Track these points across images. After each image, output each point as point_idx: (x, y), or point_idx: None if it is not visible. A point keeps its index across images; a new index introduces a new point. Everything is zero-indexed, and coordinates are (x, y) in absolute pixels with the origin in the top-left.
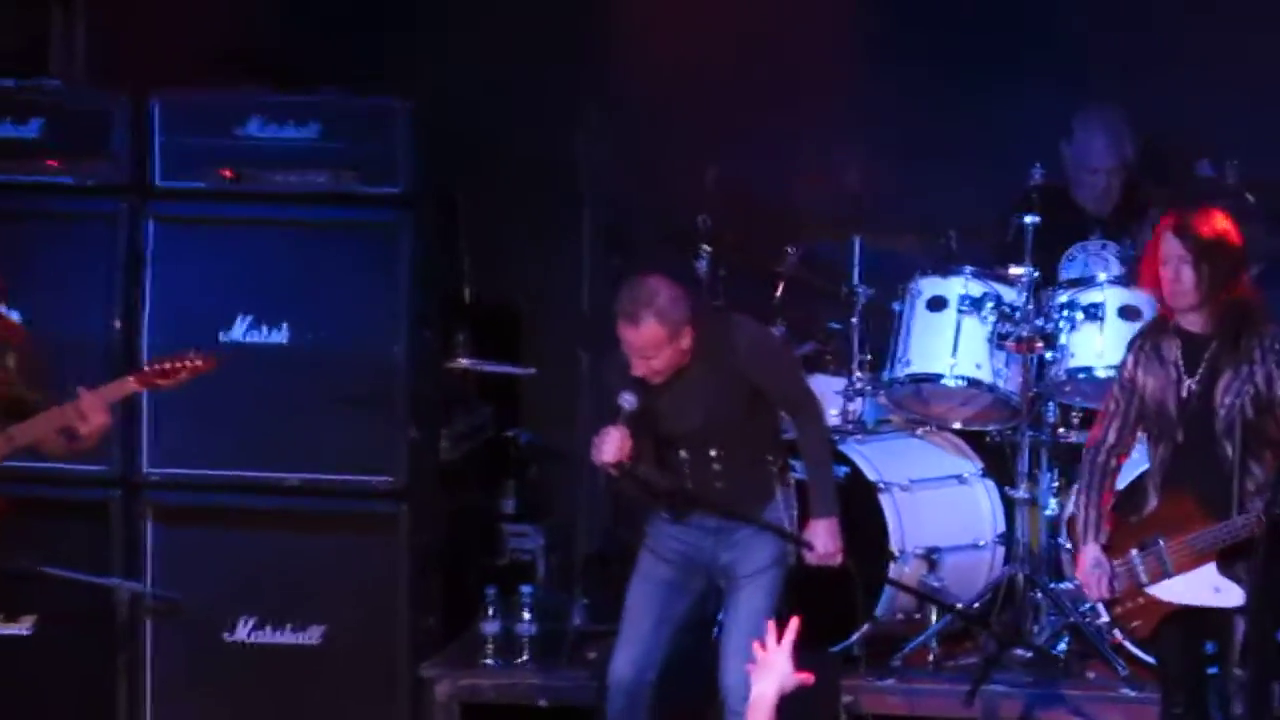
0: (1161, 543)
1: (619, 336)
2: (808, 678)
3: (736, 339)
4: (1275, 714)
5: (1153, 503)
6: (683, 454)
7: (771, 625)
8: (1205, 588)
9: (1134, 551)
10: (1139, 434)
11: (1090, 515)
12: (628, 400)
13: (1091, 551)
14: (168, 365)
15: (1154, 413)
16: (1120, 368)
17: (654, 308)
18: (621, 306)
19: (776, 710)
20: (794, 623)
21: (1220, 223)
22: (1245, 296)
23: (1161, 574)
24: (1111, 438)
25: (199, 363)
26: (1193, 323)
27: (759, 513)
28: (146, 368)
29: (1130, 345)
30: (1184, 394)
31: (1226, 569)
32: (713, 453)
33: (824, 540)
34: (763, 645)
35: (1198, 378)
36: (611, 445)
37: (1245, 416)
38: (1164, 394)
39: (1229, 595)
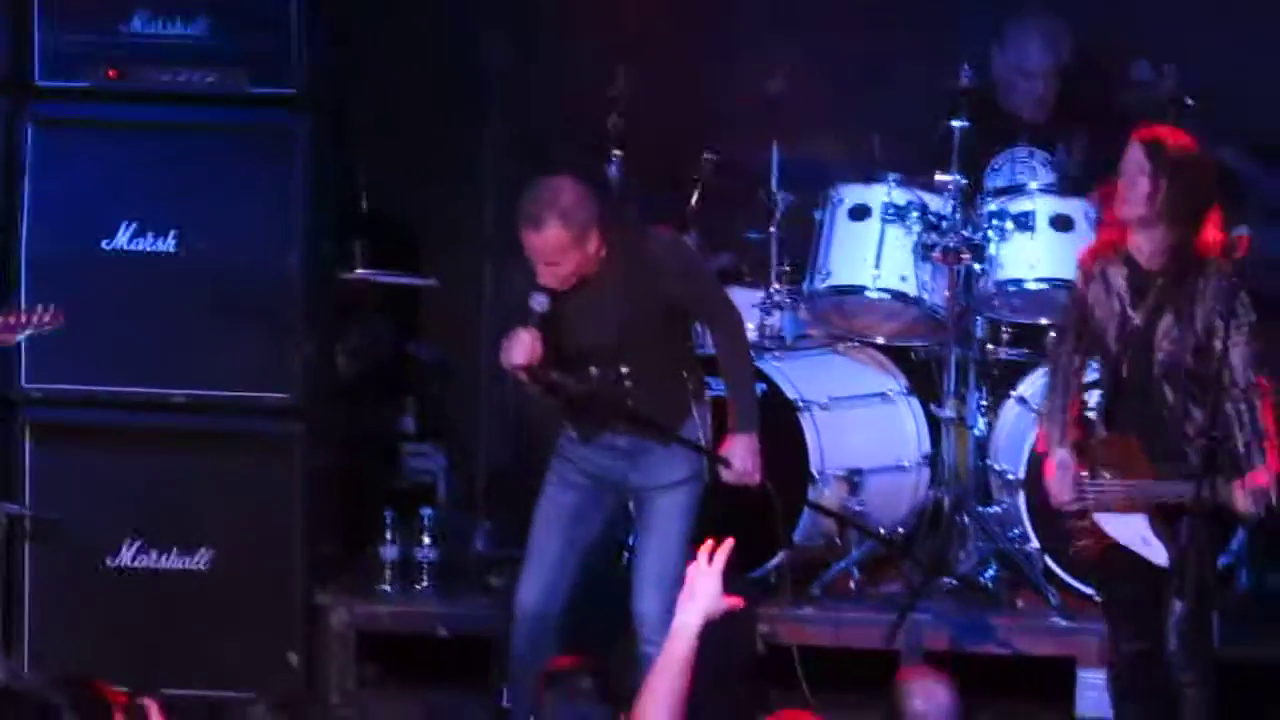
0: (1106, 476)
1: (522, 242)
2: (737, 602)
3: (651, 250)
4: (1214, 647)
5: (1100, 433)
6: (593, 370)
7: (708, 546)
8: (1136, 536)
9: (1084, 475)
10: None
11: (1055, 420)
12: (539, 301)
13: (1059, 454)
14: (10, 319)
15: (1099, 339)
16: (1074, 283)
17: (557, 209)
18: (523, 209)
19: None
20: (728, 544)
21: (1192, 146)
22: (1204, 238)
23: (1104, 506)
24: (1071, 342)
25: (45, 318)
26: (1141, 251)
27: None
28: None
29: (1081, 263)
30: (1128, 328)
31: (1157, 526)
32: (624, 369)
33: (742, 457)
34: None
35: (1141, 315)
36: (522, 347)
37: (1185, 363)
38: (1107, 323)
39: (1156, 552)
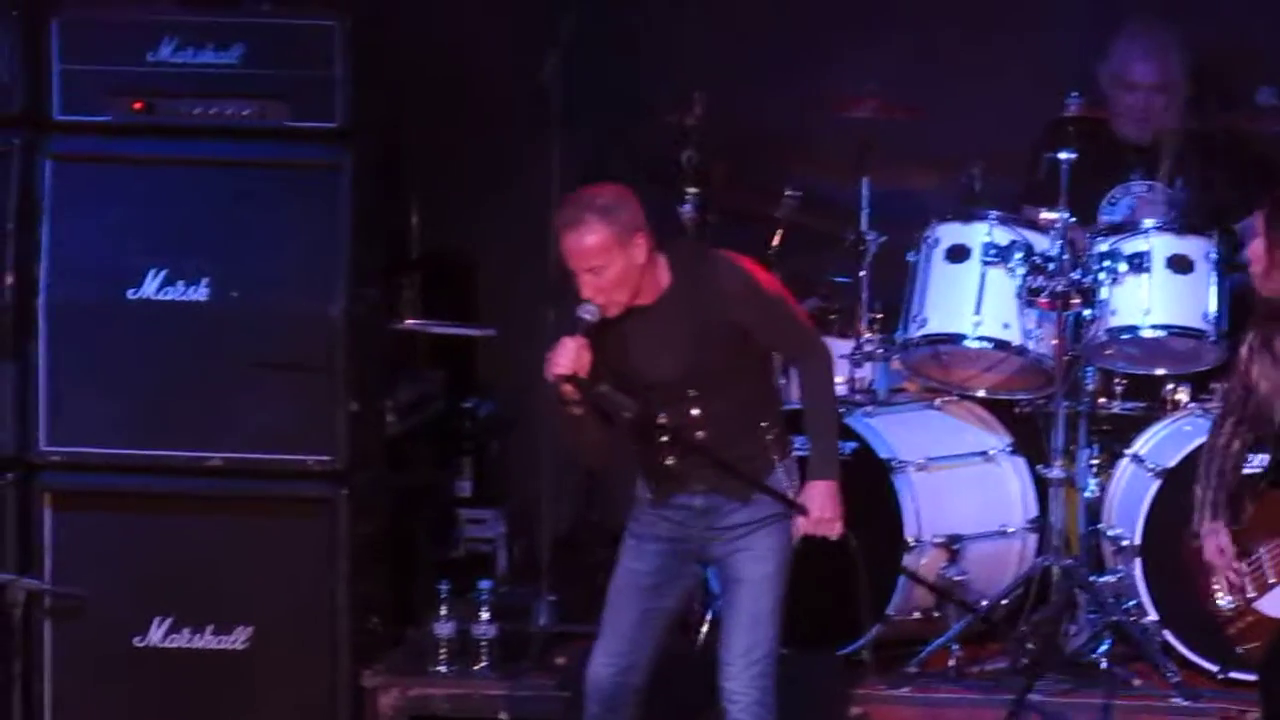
0: (1262, 550)
1: (565, 255)
2: None
3: (717, 277)
4: None
5: (1249, 509)
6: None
7: None
8: None
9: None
10: None
11: (1207, 496)
12: (589, 310)
13: (1210, 526)
14: None
15: (1262, 417)
16: (1235, 360)
17: (595, 207)
18: (562, 218)
19: None
20: None
21: None
22: None
23: (1265, 585)
24: (1227, 430)
25: None
26: None
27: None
28: None
29: (1244, 338)
30: None
31: None
32: (694, 412)
33: (820, 503)
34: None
35: None
36: (567, 355)
37: None
38: (1274, 395)
39: None
